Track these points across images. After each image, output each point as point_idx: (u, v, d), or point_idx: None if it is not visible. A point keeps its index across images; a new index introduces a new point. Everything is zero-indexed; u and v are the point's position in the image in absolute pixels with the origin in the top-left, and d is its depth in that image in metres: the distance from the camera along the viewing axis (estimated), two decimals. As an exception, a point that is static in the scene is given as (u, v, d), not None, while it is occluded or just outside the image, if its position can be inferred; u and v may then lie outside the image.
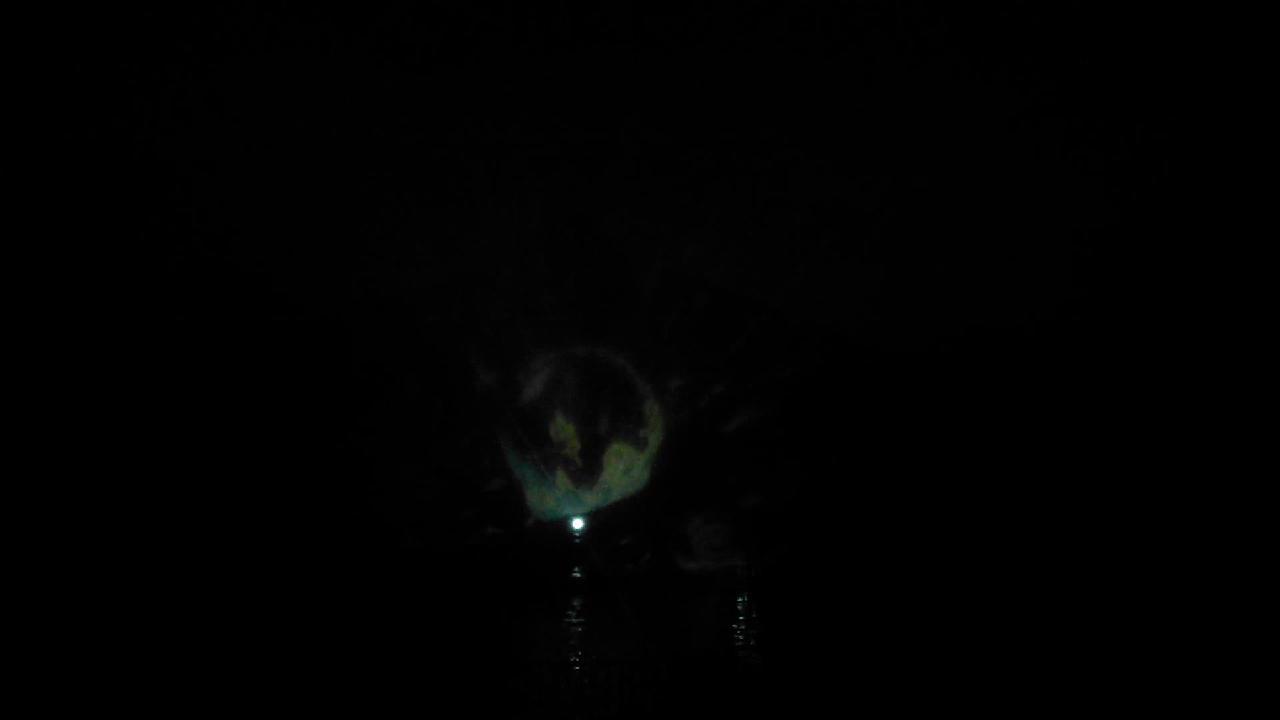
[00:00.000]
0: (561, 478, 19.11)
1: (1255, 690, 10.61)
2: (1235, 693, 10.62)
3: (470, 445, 18.53)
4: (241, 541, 16.53)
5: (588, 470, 19.15)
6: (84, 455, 16.63)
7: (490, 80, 17.20)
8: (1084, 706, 10.45)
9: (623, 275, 19.25)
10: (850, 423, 18.40)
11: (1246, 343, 16.86)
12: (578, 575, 17.56)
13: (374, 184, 17.54)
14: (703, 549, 17.91)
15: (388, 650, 12.19)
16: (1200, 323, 17.17)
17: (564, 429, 19.40)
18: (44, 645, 12.30)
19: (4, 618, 13.22)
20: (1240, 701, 10.44)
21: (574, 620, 14.71)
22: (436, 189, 17.70)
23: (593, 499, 18.96)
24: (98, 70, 16.30)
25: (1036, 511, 16.87)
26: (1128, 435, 17.28)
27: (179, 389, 17.72)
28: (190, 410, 17.59)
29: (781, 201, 18.70)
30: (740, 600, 15.92)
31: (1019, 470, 17.49)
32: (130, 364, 17.45)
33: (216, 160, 17.15)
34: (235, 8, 16.02)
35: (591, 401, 19.31)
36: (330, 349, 18.29)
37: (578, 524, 18.52)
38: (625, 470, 19.28)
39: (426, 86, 17.08)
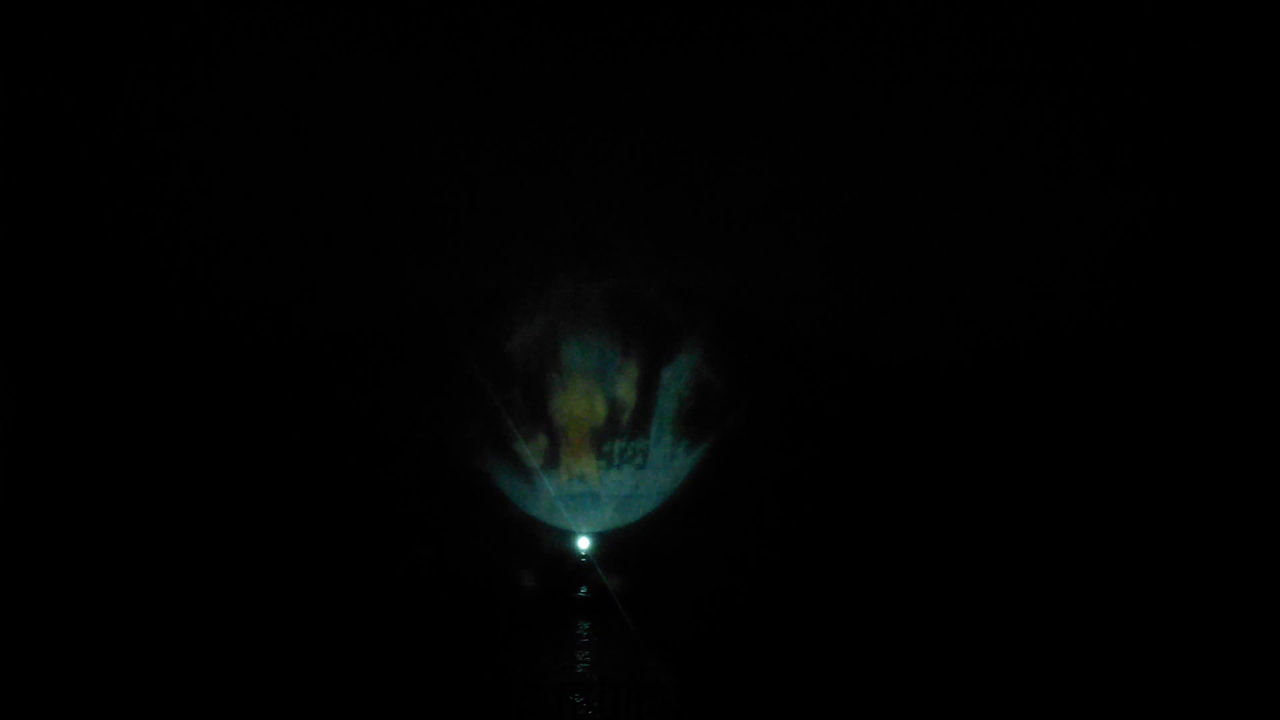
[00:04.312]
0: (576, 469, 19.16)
1: (1255, 690, 10.68)
2: (1235, 693, 10.69)
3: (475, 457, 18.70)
4: (245, 549, 16.57)
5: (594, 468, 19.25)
6: (99, 465, 16.74)
7: (501, 92, 17.27)
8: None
9: (629, 289, 19.36)
10: (851, 435, 18.46)
11: (1259, 360, 16.83)
12: (584, 593, 17.54)
13: (377, 202, 17.64)
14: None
15: (383, 664, 12.20)
16: (1211, 338, 17.15)
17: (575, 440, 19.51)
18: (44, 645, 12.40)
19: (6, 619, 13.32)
20: (1240, 702, 10.51)
21: (580, 639, 14.71)
22: (440, 206, 17.80)
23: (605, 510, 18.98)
24: (126, 73, 16.36)
25: (1040, 526, 16.92)
26: (1134, 449, 17.31)
27: (188, 400, 17.80)
28: (199, 421, 17.66)
29: (787, 212, 18.73)
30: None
31: (1023, 483, 17.53)
32: (142, 373, 17.54)
33: (228, 177, 17.25)
34: (261, 22, 16.11)
35: (599, 409, 19.45)
36: (342, 365, 18.38)
37: (584, 543, 18.55)
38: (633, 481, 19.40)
39: (433, 102, 17.13)
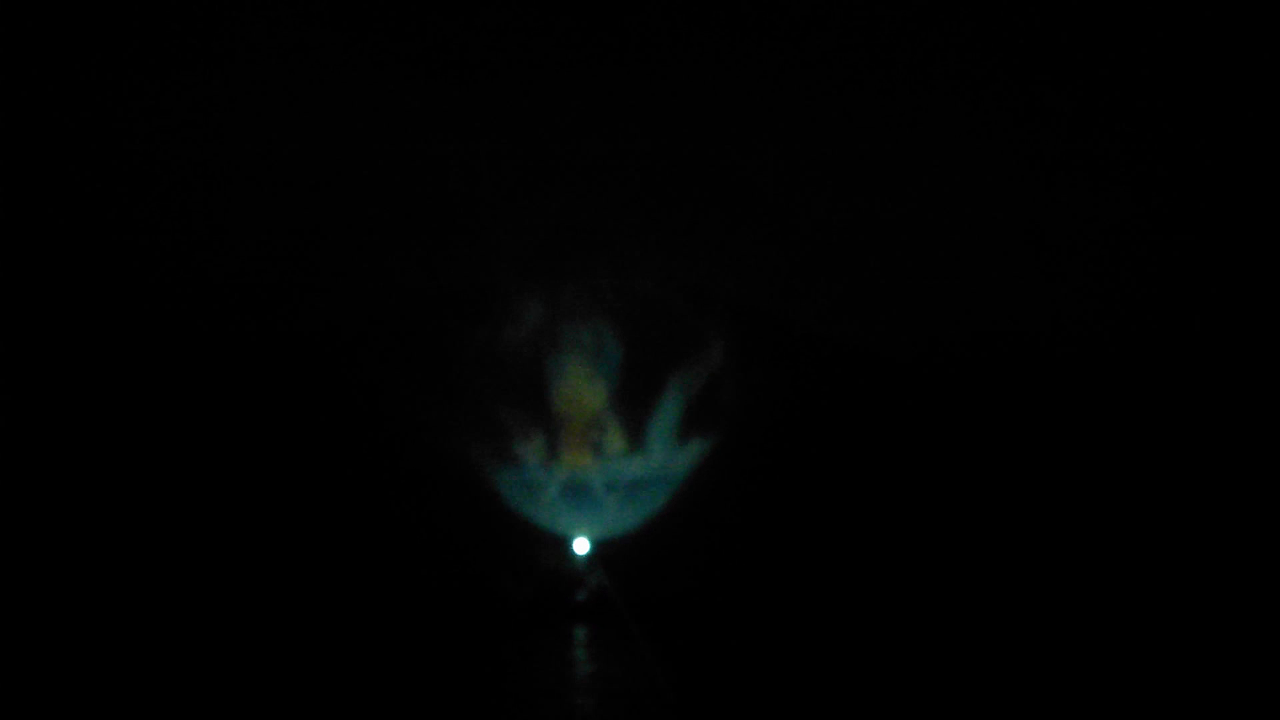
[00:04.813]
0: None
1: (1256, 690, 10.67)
2: (1235, 693, 10.68)
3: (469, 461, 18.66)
4: (235, 548, 16.50)
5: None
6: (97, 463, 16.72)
7: (496, 88, 17.17)
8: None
9: (626, 282, 19.27)
10: (860, 433, 18.41)
11: (1255, 353, 16.85)
12: (582, 596, 17.46)
13: (377, 194, 17.56)
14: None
15: (376, 668, 12.13)
16: (1211, 333, 17.16)
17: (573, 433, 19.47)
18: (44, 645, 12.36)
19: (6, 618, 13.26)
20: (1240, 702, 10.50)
21: (578, 642, 14.64)
22: (440, 199, 17.74)
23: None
24: (103, 72, 16.28)
25: (1040, 523, 16.91)
26: (1134, 447, 17.31)
27: (179, 396, 17.76)
28: (190, 419, 17.61)
29: (786, 208, 18.69)
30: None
31: (1022, 480, 17.52)
32: (134, 369, 17.50)
33: (218, 168, 17.14)
34: (244, 15, 16.00)
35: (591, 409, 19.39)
36: (331, 360, 18.31)
37: (582, 545, 18.41)
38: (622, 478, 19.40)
39: (432, 94, 17.02)
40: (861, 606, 15.34)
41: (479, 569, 17.46)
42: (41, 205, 16.66)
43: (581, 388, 19.52)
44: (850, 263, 18.72)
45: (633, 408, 19.64)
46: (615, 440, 19.53)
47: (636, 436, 19.50)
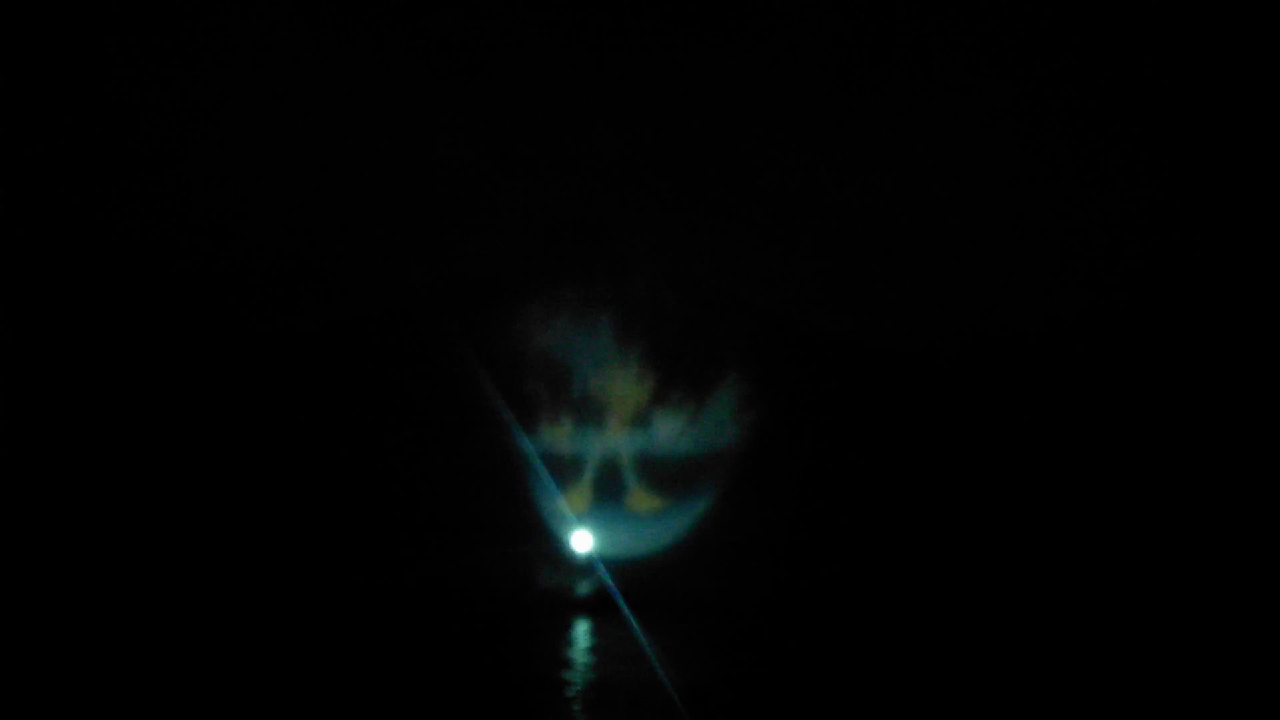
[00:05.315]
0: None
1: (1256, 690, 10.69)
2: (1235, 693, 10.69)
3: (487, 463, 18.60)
4: (241, 546, 16.49)
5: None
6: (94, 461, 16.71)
7: (498, 84, 17.15)
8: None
9: (625, 279, 19.26)
10: (855, 426, 18.41)
11: (1252, 350, 16.87)
12: (584, 593, 17.42)
13: (378, 188, 17.53)
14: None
15: (377, 663, 12.13)
16: (1208, 331, 17.17)
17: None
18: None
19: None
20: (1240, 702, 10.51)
21: (579, 639, 14.63)
22: (440, 194, 17.72)
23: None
24: (101, 69, 16.25)
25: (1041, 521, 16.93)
26: (1132, 444, 17.33)
27: (179, 395, 17.74)
28: (190, 419, 17.58)
29: (786, 204, 18.68)
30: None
31: (1023, 477, 17.54)
32: (134, 369, 17.48)
33: (222, 163, 17.14)
34: (243, 10, 15.98)
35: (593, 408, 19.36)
36: (333, 358, 18.30)
37: (585, 541, 18.30)
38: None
39: (434, 89, 17.01)
40: (863, 605, 15.38)
41: (484, 564, 17.50)
42: (55, 206, 16.69)
43: (591, 397, 19.49)
44: (855, 262, 18.70)
45: (645, 416, 19.60)
46: (622, 447, 19.44)
47: (651, 433, 19.47)
